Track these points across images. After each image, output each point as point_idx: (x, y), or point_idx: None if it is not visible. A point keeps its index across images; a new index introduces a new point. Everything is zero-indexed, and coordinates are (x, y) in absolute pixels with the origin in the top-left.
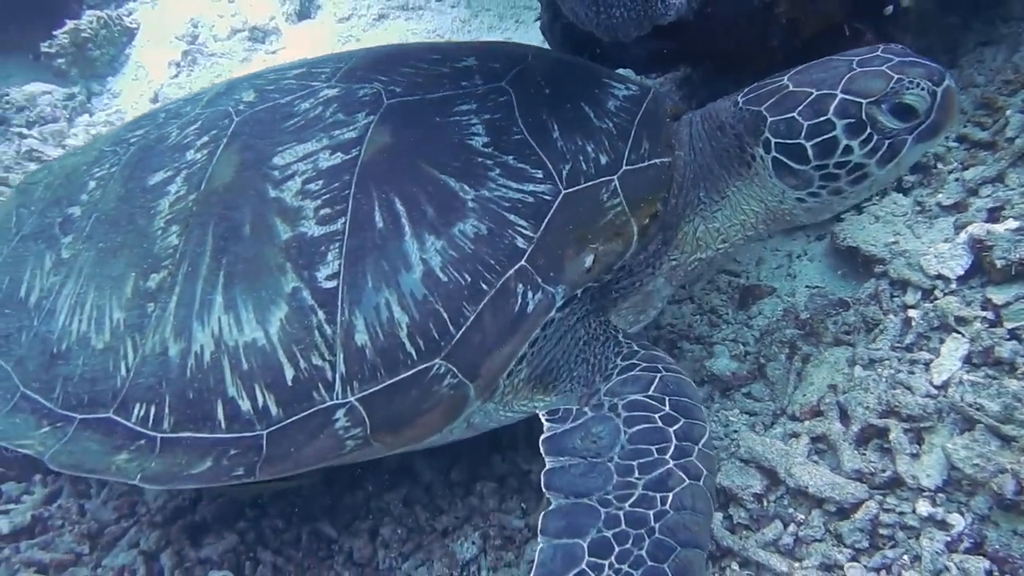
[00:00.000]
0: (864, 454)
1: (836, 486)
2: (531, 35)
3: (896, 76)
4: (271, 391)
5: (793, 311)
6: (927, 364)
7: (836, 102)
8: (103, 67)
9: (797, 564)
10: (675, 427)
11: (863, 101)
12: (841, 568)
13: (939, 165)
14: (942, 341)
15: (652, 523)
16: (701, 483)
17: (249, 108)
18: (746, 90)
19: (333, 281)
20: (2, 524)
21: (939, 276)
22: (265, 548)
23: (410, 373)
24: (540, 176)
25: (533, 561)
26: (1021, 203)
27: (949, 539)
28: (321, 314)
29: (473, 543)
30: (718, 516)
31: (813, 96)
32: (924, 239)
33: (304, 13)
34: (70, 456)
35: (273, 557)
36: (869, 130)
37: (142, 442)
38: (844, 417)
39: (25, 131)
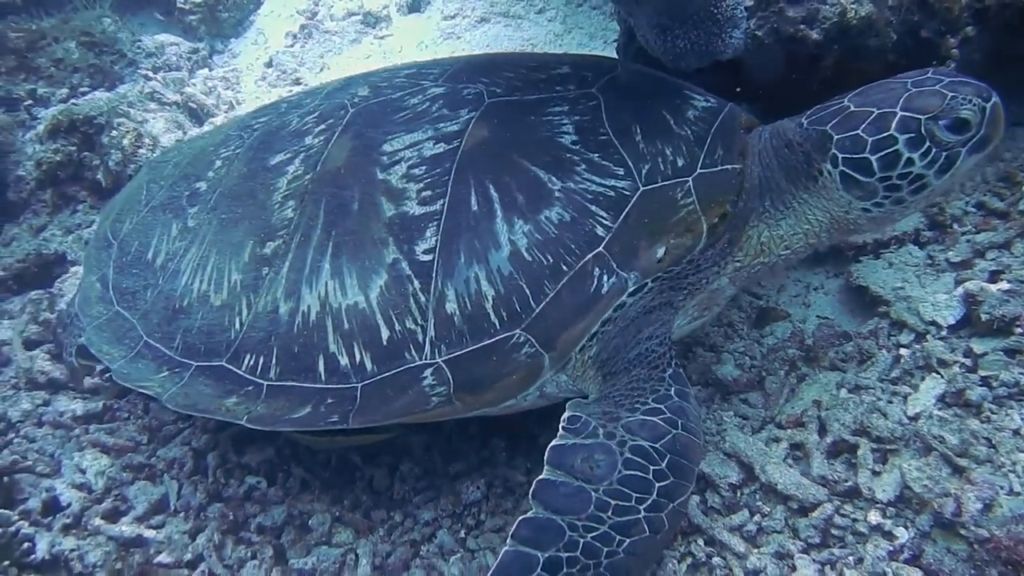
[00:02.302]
0: (832, 464)
1: (801, 486)
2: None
3: (951, 94)
4: (367, 349)
5: (800, 335)
6: (905, 397)
7: (897, 119)
8: (228, 29)
9: (755, 549)
10: (662, 483)
11: (922, 117)
12: (792, 558)
13: (955, 226)
14: (923, 379)
15: (602, 558)
16: (658, 537)
17: (363, 101)
18: (809, 112)
19: (430, 255)
20: (77, 407)
21: (933, 322)
22: (298, 464)
23: (493, 340)
24: (621, 173)
25: (511, 532)
26: (1020, 270)
27: (892, 548)
28: (417, 283)
29: (478, 488)
30: (695, 499)
31: (875, 114)
32: (928, 289)
33: (415, 6)
34: (185, 397)
35: (304, 473)
36: (928, 143)
37: (250, 388)
38: (822, 430)
39: (151, 75)
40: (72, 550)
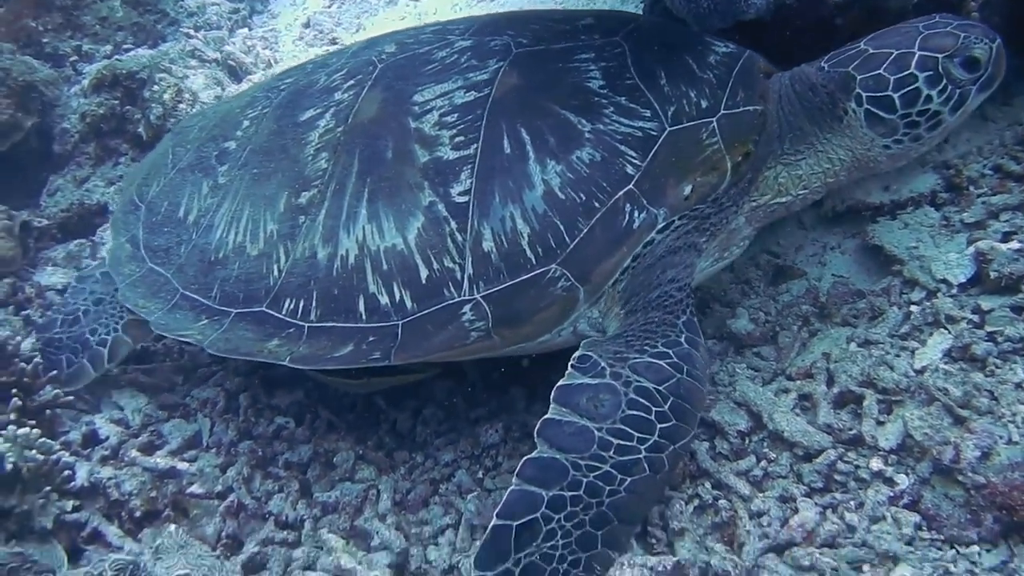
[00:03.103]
0: (838, 413)
1: (807, 434)
2: None
3: (963, 35)
4: (407, 288)
5: (815, 292)
6: (913, 351)
7: (916, 58)
8: None
9: (760, 493)
10: (663, 425)
11: (939, 56)
12: (795, 501)
13: (971, 188)
14: (931, 334)
15: (604, 497)
16: (658, 477)
17: (391, 57)
18: (827, 56)
19: (465, 197)
20: None
21: (944, 280)
22: (325, 407)
23: (529, 275)
24: (648, 115)
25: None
26: None
27: (892, 494)
28: (454, 224)
29: (497, 432)
30: (704, 444)
31: (895, 55)
32: (941, 248)
33: None
34: (227, 342)
35: (330, 415)
36: (944, 81)
37: (291, 330)
38: (830, 381)
39: (192, 33)
40: (110, 479)
